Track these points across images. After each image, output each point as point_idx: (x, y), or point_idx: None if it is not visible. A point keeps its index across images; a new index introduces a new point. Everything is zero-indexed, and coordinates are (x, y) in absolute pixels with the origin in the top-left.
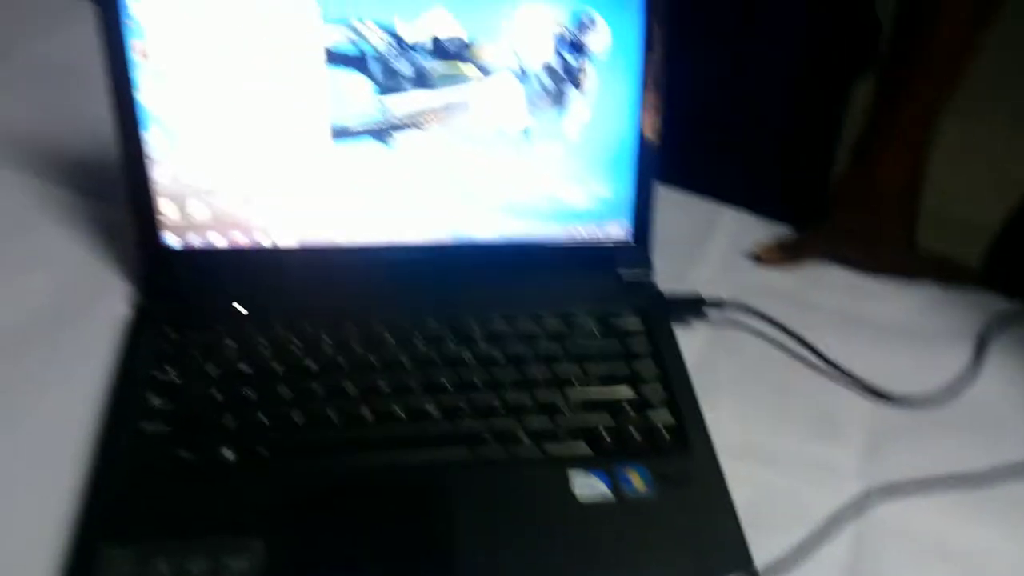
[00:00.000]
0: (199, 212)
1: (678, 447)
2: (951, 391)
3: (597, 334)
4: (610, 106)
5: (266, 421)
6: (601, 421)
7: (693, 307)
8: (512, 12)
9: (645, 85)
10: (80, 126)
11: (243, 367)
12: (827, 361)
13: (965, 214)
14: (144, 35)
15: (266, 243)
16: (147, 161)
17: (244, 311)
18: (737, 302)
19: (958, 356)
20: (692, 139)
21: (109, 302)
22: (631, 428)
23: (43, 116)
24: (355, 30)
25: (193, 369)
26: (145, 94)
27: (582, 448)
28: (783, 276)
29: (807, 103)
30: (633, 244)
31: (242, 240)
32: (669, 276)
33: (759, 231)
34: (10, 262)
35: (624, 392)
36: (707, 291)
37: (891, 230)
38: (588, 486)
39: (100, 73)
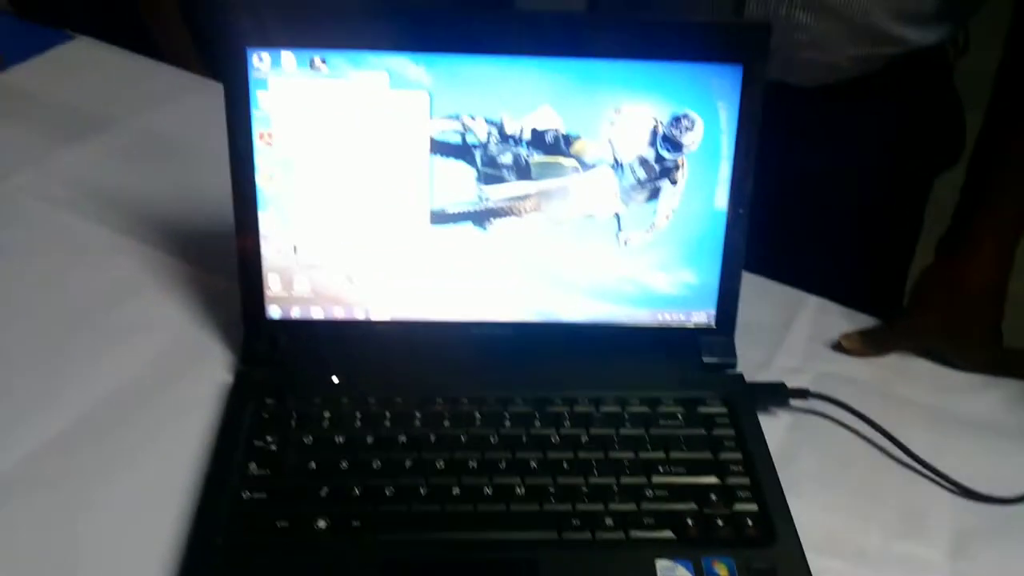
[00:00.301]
0: (303, 287)
1: (764, 539)
2: None
3: (682, 420)
4: (700, 197)
5: (357, 492)
6: (686, 509)
7: (776, 395)
8: (614, 111)
9: (735, 177)
10: (190, 197)
11: (337, 438)
12: (913, 456)
13: None
14: (270, 124)
15: (363, 317)
16: (260, 240)
17: (339, 381)
18: (820, 392)
19: None
20: (778, 228)
21: (211, 368)
22: (717, 517)
23: (155, 186)
24: (463, 124)
25: (290, 438)
26: (264, 178)
27: (667, 535)
28: (867, 366)
29: (891, 196)
30: (718, 330)
31: (341, 314)
32: (753, 363)
33: (843, 320)
34: (118, 325)
35: (710, 480)
36: (790, 379)
37: (976, 326)
38: (674, 575)
39: (211, 146)
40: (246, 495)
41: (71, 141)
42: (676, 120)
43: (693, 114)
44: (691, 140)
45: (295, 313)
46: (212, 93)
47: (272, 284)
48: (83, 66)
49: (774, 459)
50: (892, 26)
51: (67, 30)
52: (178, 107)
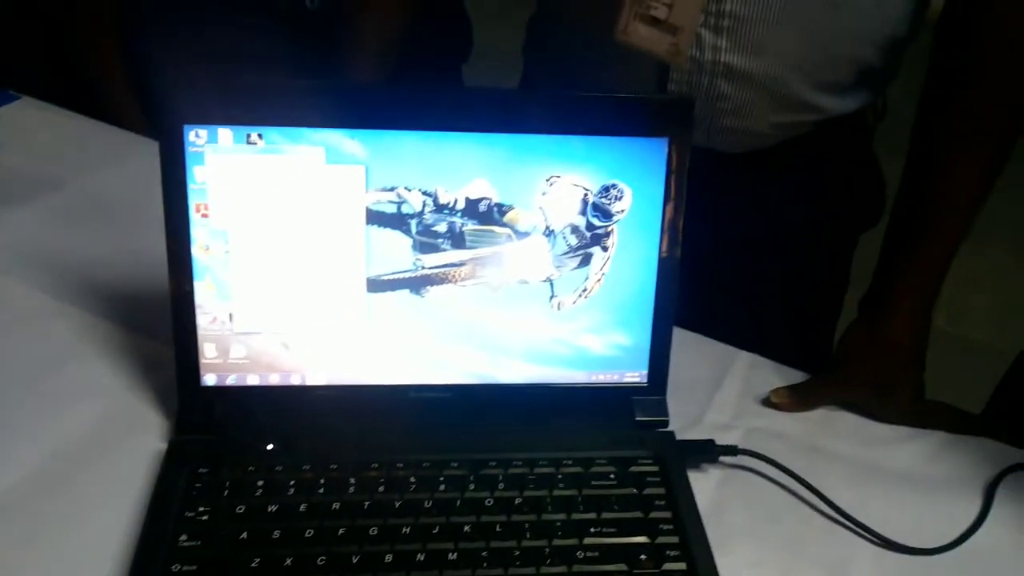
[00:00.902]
0: (239, 354)
1: None
2: (960, 539)
3: (614, 479)
4: (630, 262)
5: (288, 561)
6: (617, 570)
7: (706, 452)
8: (546, 182)
9: (664, 243)
10: (130, 260)
11: (270, 507)
12: (837, 509)
13: (976, 336)
14: (207, 197)
15: (300, 383)
16: (196, 309)
17: (274, 448)
18: (749, 448)
19: (966, 504)
20: (709, 288)
21: (145, 437)
22: None
23: (95, 248)
24: (399, 195)
25: (222, 508)
26: (200, 249)
27: None
28: (794, 421)
29: (816, 256)
30: (650, 390)
31: (277, 380)
32: (685, 419)
33: (773, 376)
34: (53, 392)
35: (640, 540)
36: (721, 435)
37: (898, 381)
38: None
39: (151, 209)
40: (176, 568)
41: (12, 203)
42: (605, 190)
43: (622, 184)
44: (620, 208)
45: (231, 380)
46: (156, 155)
47: (208, 352)
48: (27, 127)
49: (703, 515)
50: (810, 95)
51: (11, 90)
52: (122, 169)
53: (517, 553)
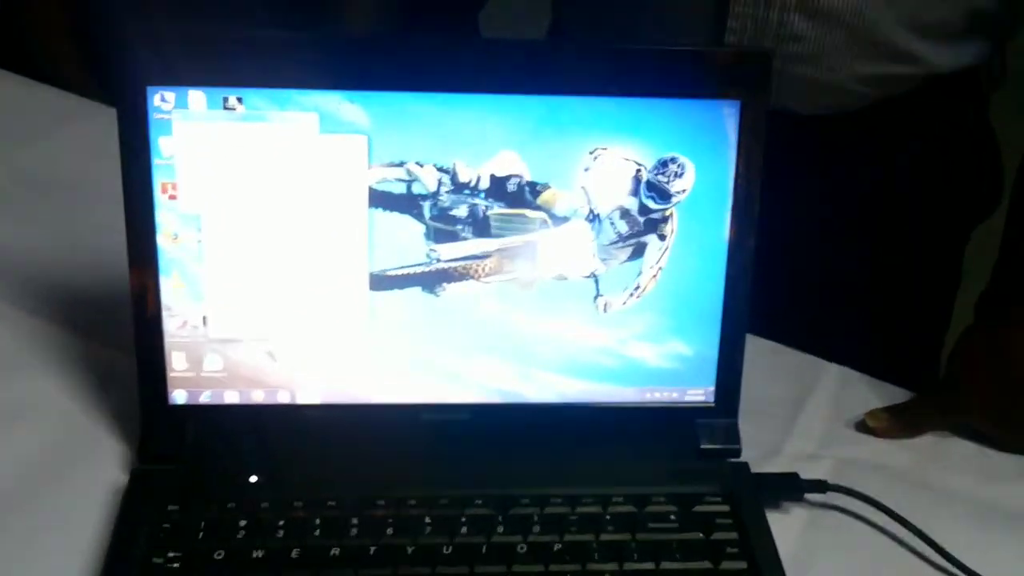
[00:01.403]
0: (214, 366)
1: None
2: None
3: (675, 521)
4: (693, 253)
5: None
6: None
7: (789, 488)
8: (589, 156)
9: (734, 230)
10: (78, 252)
11: (255, 552)
12: (952, 560)
13: None
14: (175, 175)
15: (289, 401)
16: (163, 311)
17: (258, 480)
18: (841, 484)
19: None
20: (788, 287)
21: (102, 466)
22: None
23: (36, 236)
24: (408, 172)
25: (197, 554)
26: (166, 238)
27: None
28: (897, 449)
29: (919, 248)
30: (718, 411)
31: (261, 398)
32: (761, 448)
33: (869, 394)
34: None
35: None
36: (805, 468)
37: None
38: None
39: (107, 187)
40: None
41: None
42: (663, 165)
43: (682, 158)
44: (681, 188)
45: (205, 398)
46: (108, 122)
47: (176, 363)
48: None
49: (786, 567)
50: (906, 40)
51: None
52: (67, 139)
53: None
